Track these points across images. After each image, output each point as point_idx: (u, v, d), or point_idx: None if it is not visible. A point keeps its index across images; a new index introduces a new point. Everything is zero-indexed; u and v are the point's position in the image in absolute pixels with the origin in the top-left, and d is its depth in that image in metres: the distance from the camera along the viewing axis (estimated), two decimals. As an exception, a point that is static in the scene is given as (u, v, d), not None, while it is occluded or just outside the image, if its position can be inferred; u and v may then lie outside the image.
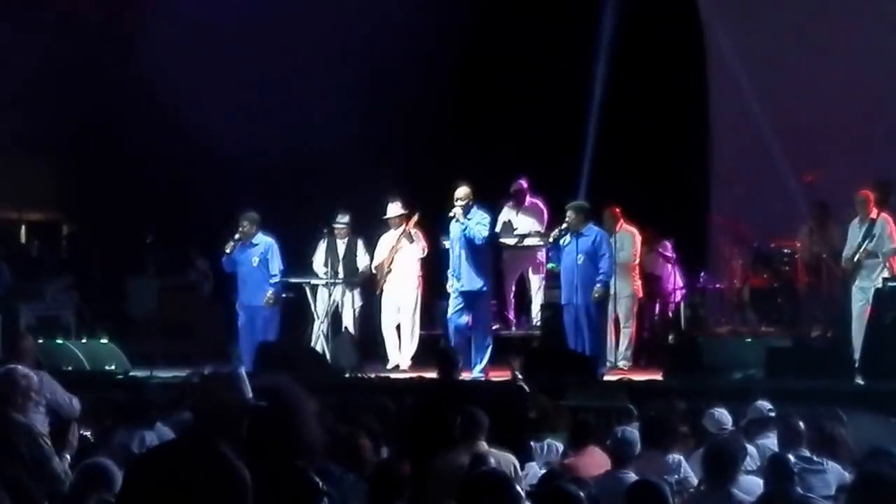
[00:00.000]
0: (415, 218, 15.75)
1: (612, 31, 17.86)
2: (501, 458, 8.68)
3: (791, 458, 8.27)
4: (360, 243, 16.22)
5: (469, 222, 14.53)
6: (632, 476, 8.26)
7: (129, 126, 18.98)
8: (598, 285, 14.39)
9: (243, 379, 5.57)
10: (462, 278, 14.63)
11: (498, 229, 15.89)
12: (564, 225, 14.58)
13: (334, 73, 18.15)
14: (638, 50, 17.82)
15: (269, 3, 18.69)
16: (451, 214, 14.61)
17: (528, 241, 16.39)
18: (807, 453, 8.78)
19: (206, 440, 5.43)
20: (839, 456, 8.93)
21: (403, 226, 15.81)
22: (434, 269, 15.68)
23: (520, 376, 12.24)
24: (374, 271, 15.98)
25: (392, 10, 18.08)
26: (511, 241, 16.33)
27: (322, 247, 16.24)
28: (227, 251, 15.71)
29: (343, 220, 16.16)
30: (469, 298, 14.66)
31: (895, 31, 16.95)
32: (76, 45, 18.87)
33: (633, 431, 9.06)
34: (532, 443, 10.24)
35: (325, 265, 16.09)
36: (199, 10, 17.91)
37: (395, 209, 15.86)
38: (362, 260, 16.18)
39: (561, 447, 10.12)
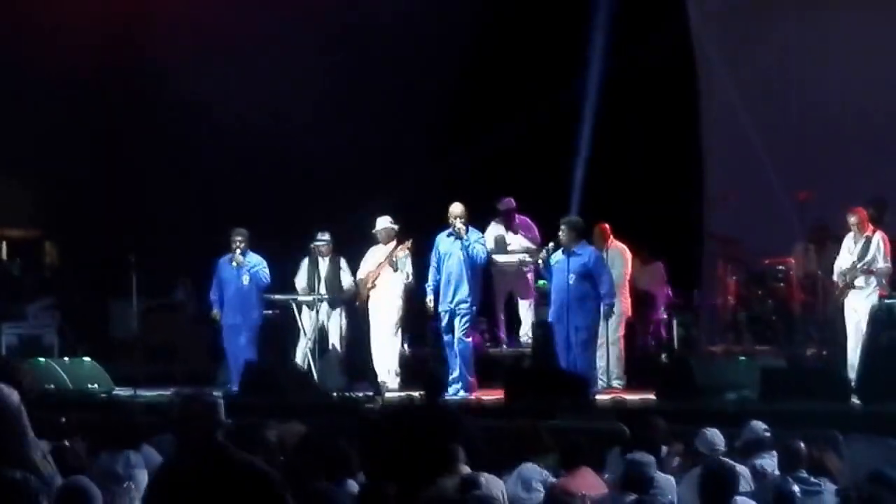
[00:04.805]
0: (407, 244, 15.44)
1: (604, 51, 17.78)
2: (490, 482, 8.51)
3: (792, 483, 8.18)
4: (342, 262, 15.93)
5: (470, 239, 14.42)
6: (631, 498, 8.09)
7: (112, 144, 18.84)
8: (605, 307, 14.18)
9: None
10: (457, 295, 14.44)
11: (489, 247, 15.69)
12: (551, 244, 14.40)
13: (319, 89, 18.01)
14: (630, 69, 17.71)
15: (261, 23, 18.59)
16: (453, 228, 14.43)
17: (519, 258, 16.21)
18: (805, 475, 8.66)
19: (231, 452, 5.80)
20: (832, 477, 8.82)
21: (392, 243, 15.51)
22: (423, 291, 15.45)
23: None
24: (357, 283, 15.71)
25: (379, 28, 17.94)
26: (503, 259, 16.15)
27: (304, 266, 15.98)
28: (235, 264, 15.48)
29: (324, 237, 15.88)
30: (460, 315, 14.49)
31: (889, 50, 16.84)
32: (64, 62, 18.71)
33: (642, 454, 8.89)
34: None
35: (308, 285, 15.84)
36: (189, 22, 17.84)
37: (382, 222, 15.58)
38: (346, 279, 15.89)
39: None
